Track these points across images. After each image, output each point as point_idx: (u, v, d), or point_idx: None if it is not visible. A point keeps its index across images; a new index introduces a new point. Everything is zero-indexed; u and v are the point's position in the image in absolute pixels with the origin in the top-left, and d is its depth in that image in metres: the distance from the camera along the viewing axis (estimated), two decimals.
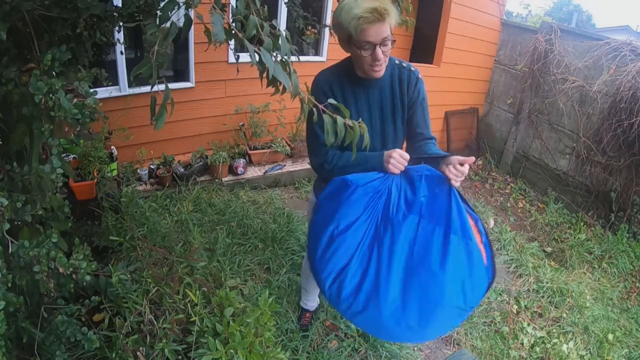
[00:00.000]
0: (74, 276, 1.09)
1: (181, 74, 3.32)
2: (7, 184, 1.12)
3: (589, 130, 3.96)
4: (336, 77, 1.48)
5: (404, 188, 1.39)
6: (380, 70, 1.41)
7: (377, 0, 1.26)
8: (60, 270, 1.05)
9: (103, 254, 1.96)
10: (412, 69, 1.51)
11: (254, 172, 3.56)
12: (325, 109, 0.97)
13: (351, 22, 1.28)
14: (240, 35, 0.81)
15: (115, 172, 2.58)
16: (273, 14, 3.44)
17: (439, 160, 1.39)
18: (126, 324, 1.41)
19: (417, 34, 5.14)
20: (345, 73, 1.48)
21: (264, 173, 3.56)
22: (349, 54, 1.45)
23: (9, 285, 0.99)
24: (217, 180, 3.32)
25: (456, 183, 1.32)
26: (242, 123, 3.61)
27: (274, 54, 0.86)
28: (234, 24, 0.83)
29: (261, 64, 0.82)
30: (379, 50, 1.33)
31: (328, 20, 3.62)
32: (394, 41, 1.36)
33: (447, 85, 4.62)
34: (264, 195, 3.35)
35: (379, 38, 1.31)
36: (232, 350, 1.35)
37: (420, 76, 1.52)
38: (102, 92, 2.70)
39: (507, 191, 4.50)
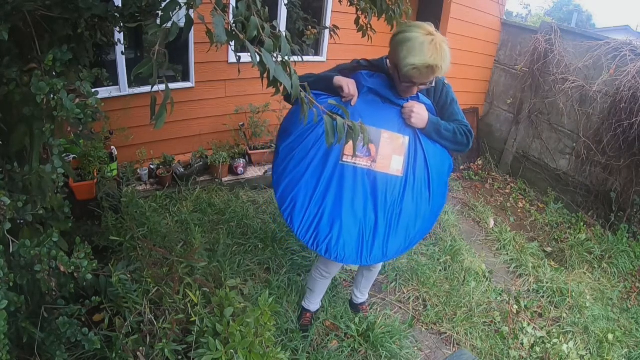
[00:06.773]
0: (75, 275, 1.09)
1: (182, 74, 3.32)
2: (7, 184, 1.12)
3: (589, 130, 3.96)
4: (374, 79, 1.54)
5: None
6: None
7: (437, 54, 1.32)
8: (62, 269, 1.05)
9: (103, 254, 1.97)
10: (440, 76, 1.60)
11: (254, 172, 3.57)
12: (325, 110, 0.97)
13: (406, 66, 1.35)
14: (241, 36, 0.82)
15: (115, 172, 2.58)
16: (273, 15, 3.44)
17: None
18: (126, 324, 1.41)
19: None
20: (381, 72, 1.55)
21: (264, 173, 3.56)
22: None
23: (10, 284, 0.99)
24: (217, 180, 3.33)
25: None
26: (242, 123, 3.62)
27: (275, 54, 0.86)
28: (234, 25, 0.83)
29: (262, 65, 0.83)
30: (415, 89, 1.46)
31: (328, 21, 3.62)
32: (432, 82, 1.48)
33: None
34: (264, 195, 3.36)
35: (421, 82, 1.43)
36: (232, 350, 1.35)
37: (447, 81, 1.61)
38: (102, 92, 2.70)
39: (507, 191, 4.50)
